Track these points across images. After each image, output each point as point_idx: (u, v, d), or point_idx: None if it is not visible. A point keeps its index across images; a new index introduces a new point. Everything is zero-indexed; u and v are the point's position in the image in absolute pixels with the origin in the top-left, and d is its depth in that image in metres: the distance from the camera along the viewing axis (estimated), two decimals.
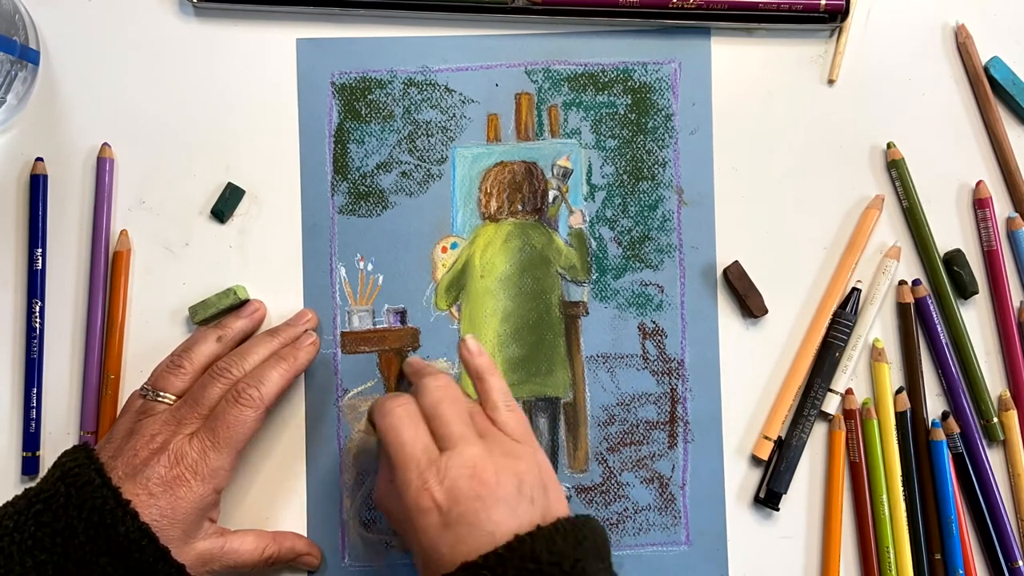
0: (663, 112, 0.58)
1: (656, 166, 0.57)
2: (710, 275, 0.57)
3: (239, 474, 0.56)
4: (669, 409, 0.57)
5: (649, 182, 0.57)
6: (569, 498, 0.56)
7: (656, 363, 0.57)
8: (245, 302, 0.56)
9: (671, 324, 0.57)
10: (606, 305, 0.57)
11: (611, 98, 0.58)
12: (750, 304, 0.56)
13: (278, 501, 0.56)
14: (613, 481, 0.57)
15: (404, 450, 0.46)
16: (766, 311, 0.56)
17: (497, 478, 0.45)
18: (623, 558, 0.56)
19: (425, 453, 0.46)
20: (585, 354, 0.57)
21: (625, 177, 0.57)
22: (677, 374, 0.57)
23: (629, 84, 0.58)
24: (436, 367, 0.54)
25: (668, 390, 0.57)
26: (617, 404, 0.57)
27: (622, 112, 0.58)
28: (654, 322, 0.57)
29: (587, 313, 0.57)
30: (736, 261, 0.56)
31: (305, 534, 0.56)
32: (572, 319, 0.57)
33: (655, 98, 0.58)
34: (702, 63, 0.58)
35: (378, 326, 0.57)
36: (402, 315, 0.57)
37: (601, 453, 0.57)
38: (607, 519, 0.57)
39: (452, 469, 0.45)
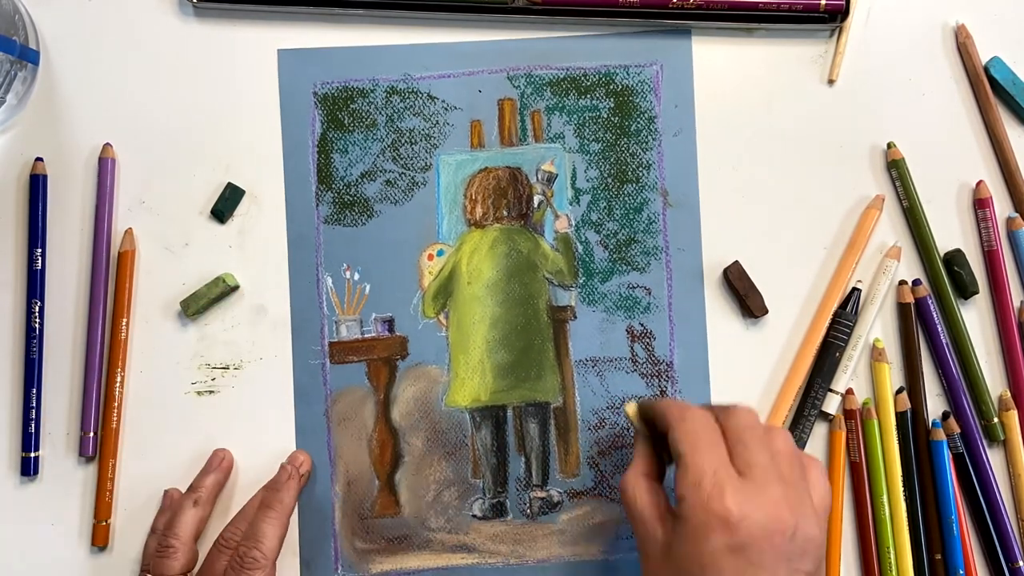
0: (646, 114, 0.57)
1: (640, 168, 0.57)
2: (697, 276, 0.57)
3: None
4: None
5: (634, 185, 0.57)
6: (560, 503, 0.56)
7: (645, 366, 0.57)
8: (235, 288, 0.56)
9: (659, 326, 0.57)
10: (594, 309, 0.57)
11: (594, 101, 0.57)
12: (750, 304, 0.56)
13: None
14: (605, 485, 0.57)
15: (702, 456, 0.44)
16: (766, 311, 0.56)
17: (792, 534, 0.43)
18: (617, 563, 0.56)
19: (722, 469, 0.44)
20: (574, 358, 0.57)
21: (610, 180, 0.57)
22: (666, 376, 0.57)
23: (611, 87, 0.57)
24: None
25: (658, 392, 0.57)
26: (607, 408, 0.57)
27: (605, 115, 0.57)
28: (642, 324, 0.57)
29: (575, 317, 0.57)
30: (736, 261, 0.56)
31: (297, 545, 0.56)
32: (560, 323, 0.57)
33: (637, 101, 0.57)
34: (683, 64, 0.57)
35: (366, 335, 0.57)
36: (390, 324, 0.57)
37: (592, 457, 0.57)
38: (599, 523, 0.56)
39: (755, 502, 0.43)
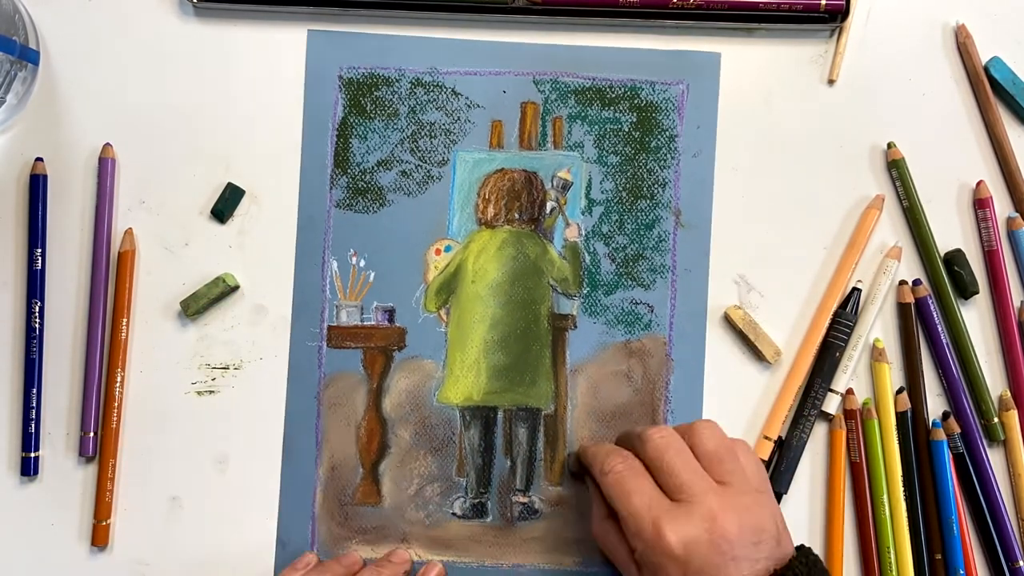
0: (667, 132, 0.57)
1: (656, 186, 0.57)
2: (701, 298, 0.57)
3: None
4: None
5: (648, 201, 0.57)
6: (539, 511, 0.56)
7: (640, 382, 0.57)
8: (235, 288, 0.56)
9: (657, 345, 0.57)
10: (595, 320, 0.57)
11: (616, 114, 0.57)
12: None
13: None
14: (586, 497, 0.56)
15: (632, 502, 0.46)
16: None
17: (739, 532, 0.44)
18: (592, 575, 0.56)
19: (655, 504, 0.45)
20: (570, 367, 0.57)
21: (624, 194, 0.57)
22: (660, 396, 0.57)
23: (635, 102, 0.57)
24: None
25: (649, 411, 0.57)
26: (597, 420, 0.57)
27: (626, 129, 0.57)
28: (641, 342, 0.57)
29: (575, 327, 0.57)
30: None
31: (275, 525, 0.56)
32: (560, 331, 0.57)
33: (660, 118, 0.57)
34: (710, 86, 0.57)
35: (366, 323, 0.57)
36: (390, 313, 0.57)
37: (577, 468, 0.56)
38: (577, 534, 0.56)
39: (690, 521, 0.44)
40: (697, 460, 0.47)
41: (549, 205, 0.57)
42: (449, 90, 0.57)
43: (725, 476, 0.47)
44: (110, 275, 0.56)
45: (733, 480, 0.47)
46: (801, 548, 0.46)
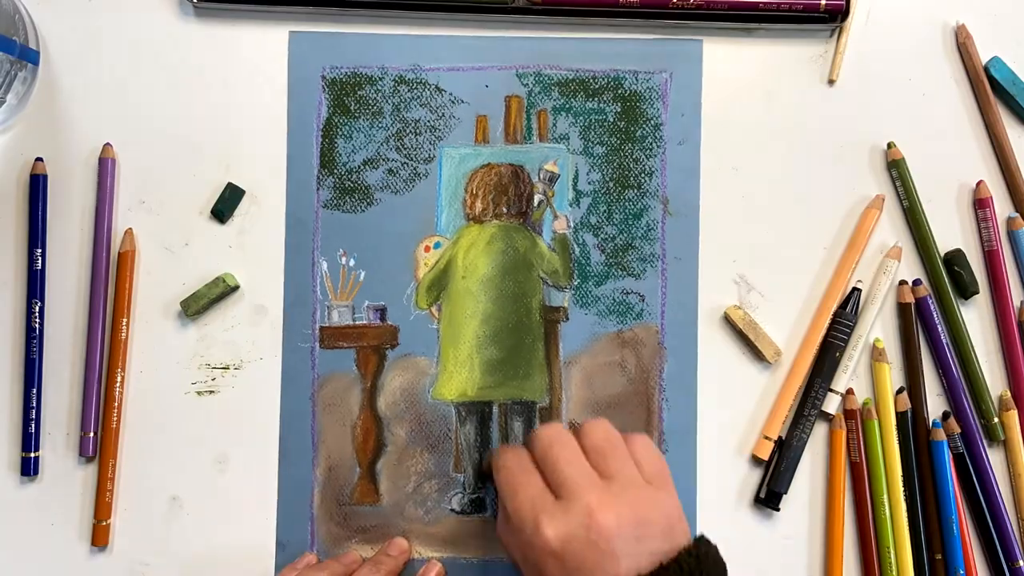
0: (652, 121, 0.57)
1: (643, 175, 0.57)
2: (692, 286, 0.57)
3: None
4: (645, 419, 0.57)
5: (635, 191, 0.57)
6: None
7: (633, 372, 0.57)
8: (235, 288, 0.56)
9: (650, 334, 0.57)
10: (586, 312, 0.57)
11: (601, 105, 0.57)
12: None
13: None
14: None
15: (516, 498, 0.46)
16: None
17: (617, 527, 0.44)
18: None
19: (537, 500, 0.46)
20: (563, 360, 0.57)
21: (611, 184, 0.57)
22: (654, 384, 0.57)
23: (619, 92, 0.57)
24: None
25: (644, 400, 0.57)
26: (592, 411, 0.57)
27: (611, 119, 0.57)
28: (633, 331, 0.57)
29: (567, 319, 0.57)
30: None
31: (275, 526, 0.56)
32: (552, 324, 0.57)
33: (644, 107, 0.57)
34: (693, 74, 0.57)
35: (357, 322, 0.57)
36: (382, 312, 0.57)
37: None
38: None
39: (567, 517, 0.44)
40: (585, 455, 0.47)
41: (537, 198, 0.57)
42: (432, 86, 0.57)
43: (610, 470, 0.46)
44: (110, 275, 0.56)
45: (619, 475, 0.46)
46: (699, 539, 0.45)
